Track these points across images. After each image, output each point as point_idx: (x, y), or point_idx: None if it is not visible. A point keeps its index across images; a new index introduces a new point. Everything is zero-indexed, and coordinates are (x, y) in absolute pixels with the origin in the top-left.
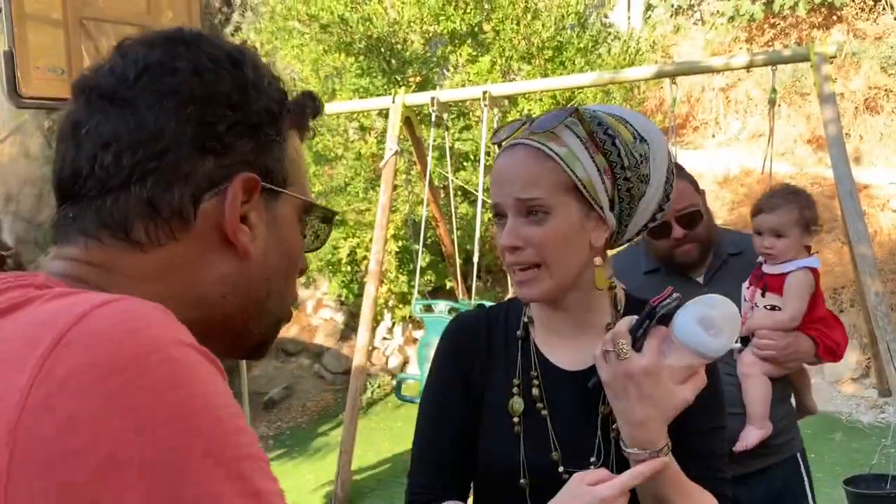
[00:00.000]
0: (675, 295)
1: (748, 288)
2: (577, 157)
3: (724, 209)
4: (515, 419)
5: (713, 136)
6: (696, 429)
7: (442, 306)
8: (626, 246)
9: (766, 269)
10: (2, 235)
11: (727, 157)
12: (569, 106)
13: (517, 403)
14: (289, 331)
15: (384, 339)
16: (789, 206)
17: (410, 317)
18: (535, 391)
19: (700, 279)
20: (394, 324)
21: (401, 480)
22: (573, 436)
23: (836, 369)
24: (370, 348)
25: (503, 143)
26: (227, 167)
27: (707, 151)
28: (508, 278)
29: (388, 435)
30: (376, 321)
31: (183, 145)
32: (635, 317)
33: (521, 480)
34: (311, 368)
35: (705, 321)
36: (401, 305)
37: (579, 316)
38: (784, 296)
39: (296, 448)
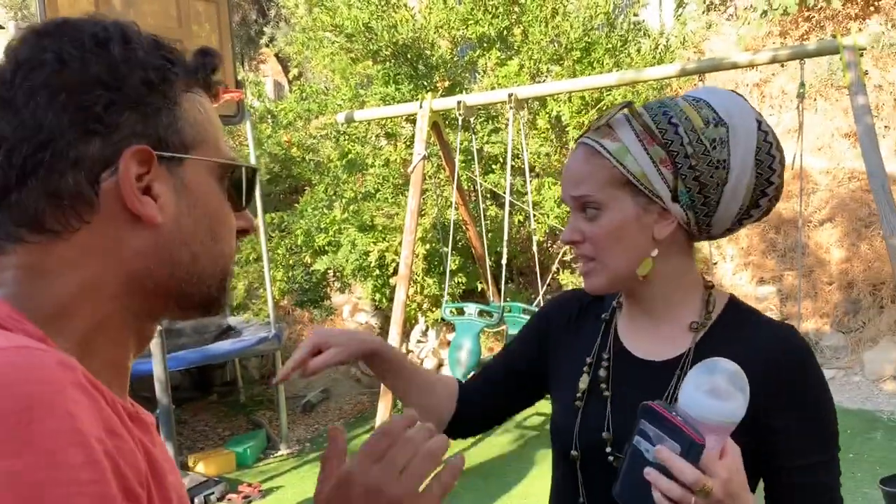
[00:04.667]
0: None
1: None
2: (629, 150)
3: None
4: (578, 394)
5: None
6: (795, 478)
7: (472, 309)
8: None
9: None
10: None
11: None
12: (623, 101)
13: (583, 381)
14: None
15: (419, 341)
16: None
17: (443, 319)
18: (602, 372)
19: None
20: (428, 327)
21: None
22: (627, 422)
23: (878, 366)
24: (406, 352)
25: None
26: (114, 144)
27: None
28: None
29: None
30: (410, 324)
31: (65, 133)
32: (664, 447)
33: (573, 452)
34: (348, 372)
35: (712, 390)
36: (434, 308)
37: (657, 308)
38: None
39: None
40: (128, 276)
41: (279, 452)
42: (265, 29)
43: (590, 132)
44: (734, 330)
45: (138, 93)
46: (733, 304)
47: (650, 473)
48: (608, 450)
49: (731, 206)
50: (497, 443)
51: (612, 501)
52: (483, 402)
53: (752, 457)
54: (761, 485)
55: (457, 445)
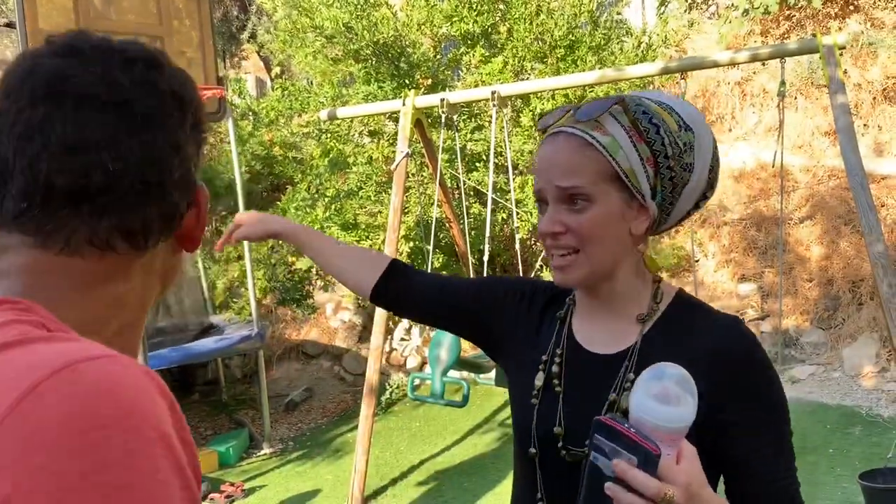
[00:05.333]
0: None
1: None
2: (620, 145)
3: (741, 205)
4: (534, 392)
5: (729, 129)
6: (751, 462)
7: None
8: None
9: None
10: None
11: (744, 151)
12: (614, 95)
13: (539, 379)
14: (309, 333)
15: (402, 339)
16: None
17: None
18: (555, 368)
19: None
20: (411, 325)
21: (418, 480)
22: (580, 416)
23: (856, 362)
24: (389, 350)
25: (548, 130)
26: (192, 182)
27: (723, 146)
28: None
29: (407, 435)
30: (393, 322)
31: (194, 160)
32: (620, 461)
33: (531, 450)
34: (332, 370)
35: (661, 396)
36: None
37: (615, 303)
38: None
39: (315, 449)
40: (152, 290)
41: (262, 451)
42: (247, 25)
43: (573, 123)
44: (681, 322)
45: (202, 135)
46: (680, 297)
47: (610, 488)
48: (560, 444)
49: (684, 206)
50: (481, 442)
51: (569, 497)
52: (412, 285)
53: (709, 452)
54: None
55: (441, 444)
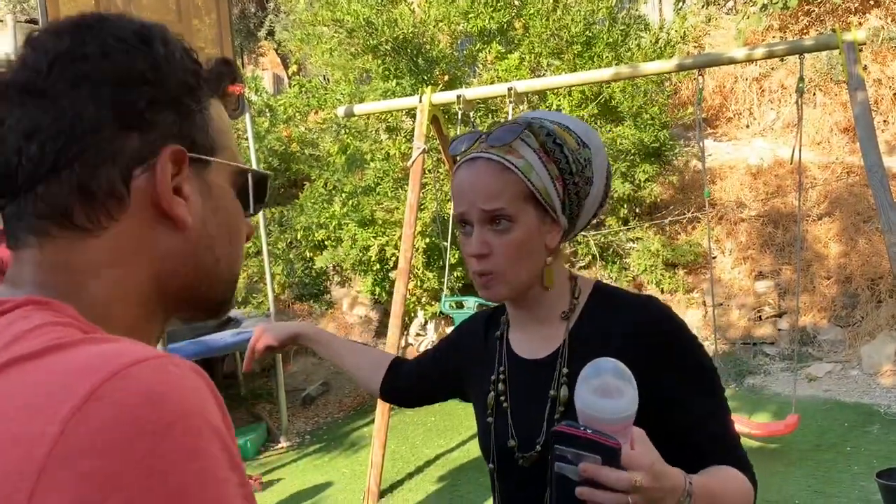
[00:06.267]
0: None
1: None
2: (532, 167)
3: (758, 202)
4: (489, 411)
5: (747, 126)
6: (691, 422)
7: (471, 303)
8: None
9: None
10: None
11: (761, 148)
12: (520, 119)
13: (490, 398)
14: (326, 328)
15: (418, 335)
16: None
17: (442, 313)
18: (500, 385)
19: None
20: (427, 320)
21: (434, 474)
22: (528, 422)
23: (875, 360)
24: (405, 345)
25: (462, 156)
26: (152, 142)
27: (741, 142)
28: None
29: (422, 429)
30: (409, 318)
31: (104, 127)
32: (586, 464)
33: (490, 465)
34: None
35: (603, 390)
36: (433, 302)
37: (540, 310)
38: None
39: (332, 443)
40: (157, 277)
41: (279, 445)
42: (265, 22)
43: (487, 149)
44: (601, 310)
45: (177, 93)
46: (598, 288)
47: (583, 492)
48: (516, 455)
49: (586, 217)
50: None
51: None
52: (408, 384)
53: (653, 426)
54: None
55: (457, 438)
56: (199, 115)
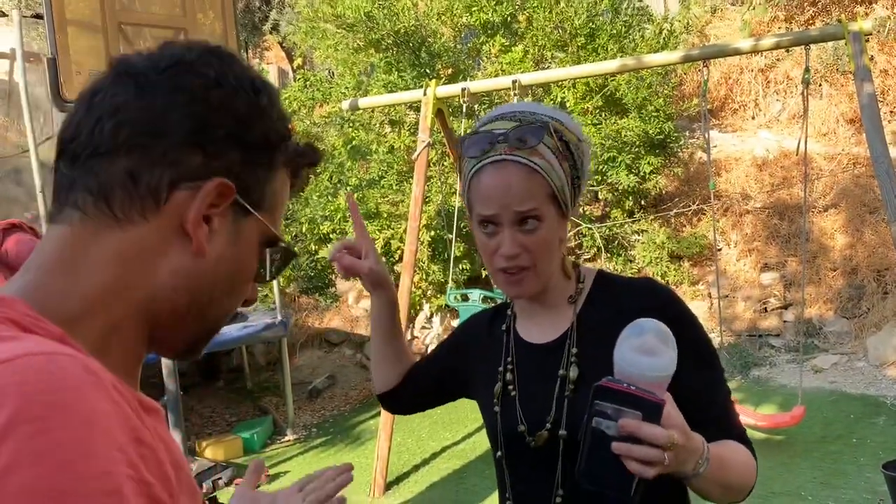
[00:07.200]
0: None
1: None
2: (553, 167)
3: (763, 193)
4: (496, 400)
5: (753, 117)
6: (693, 395)
7: (476, 295)
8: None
9: None
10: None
11: (767, 139)
12: (530, 118)
13: (497, 388)
14: (331, 321)
15: (423, 328)
16: None
17: (448, 305)
18: (508, 375)
19: None
20: (432, 313)
21: (440, 466)
22: (537, 405)
23: (881, 352)
24: (410, 338)
25: (478, 158)
26: (210, 168)
27: (747, 133)
28: None
29: (429, 422)
30: (414, 310)
31: (178, 135)
32: (627, 419)
33: (498, 453)
34: (354, 358)
35: (645, 349)
36: (438, 295)
37: (550, 298)
38: None
39: (338, 435)
40: (154, 290)
41: (286, 438)
42: (269, 16)
43: (515, 150)
44: (606, 294)
45: (255, 141)
46: (601, 274)
47: (620, 447)
48: (527, 438)
49: (574, 205)
50: None
51: (536, 494)
52: (413, 390)
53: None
54: None
55: (463, 431)
56: (263, 170)
